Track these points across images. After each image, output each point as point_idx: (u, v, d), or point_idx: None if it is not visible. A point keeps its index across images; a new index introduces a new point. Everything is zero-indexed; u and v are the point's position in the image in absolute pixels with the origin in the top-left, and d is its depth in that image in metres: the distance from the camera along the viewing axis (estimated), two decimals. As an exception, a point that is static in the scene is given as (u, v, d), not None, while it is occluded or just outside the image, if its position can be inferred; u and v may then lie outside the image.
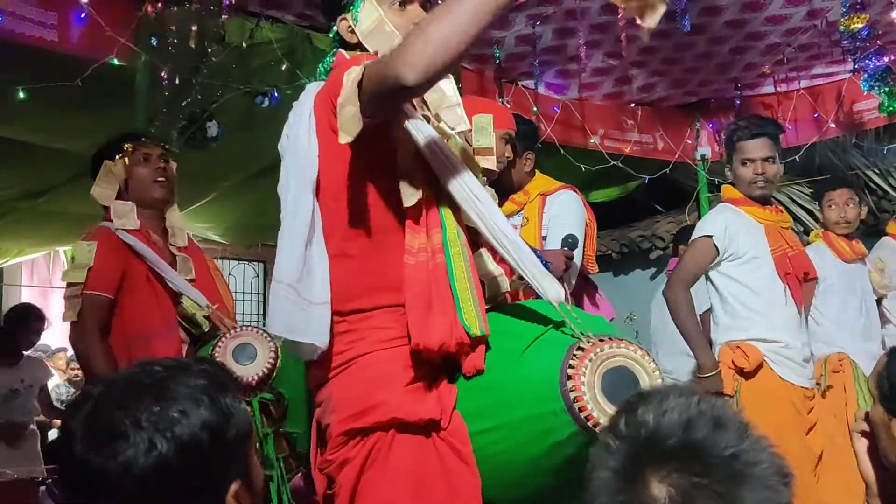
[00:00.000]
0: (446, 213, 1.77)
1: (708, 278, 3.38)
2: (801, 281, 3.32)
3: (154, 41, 3.65)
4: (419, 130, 1.73)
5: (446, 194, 1.75)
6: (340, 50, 1.93)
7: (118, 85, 3.71)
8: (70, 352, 8.53)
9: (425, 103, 1.82)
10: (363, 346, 1.75)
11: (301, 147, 1.78)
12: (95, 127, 4.41)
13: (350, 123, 1.63)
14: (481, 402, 1.73)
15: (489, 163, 1.97)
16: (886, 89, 4.26)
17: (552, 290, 1.69)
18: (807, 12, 4.40)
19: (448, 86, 1.84)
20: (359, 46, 1.90)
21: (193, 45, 3.69)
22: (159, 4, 3.63)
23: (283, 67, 4.04)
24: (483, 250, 1.89)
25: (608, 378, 1.56)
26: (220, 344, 2.50)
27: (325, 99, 1.77)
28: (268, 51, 4.02)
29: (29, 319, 5.73)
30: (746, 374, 3.18)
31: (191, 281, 2.86)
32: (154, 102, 3.75)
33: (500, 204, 2.99)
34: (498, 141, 2.54)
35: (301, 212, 1.75)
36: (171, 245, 2.92)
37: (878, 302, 4.04)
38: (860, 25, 4.03)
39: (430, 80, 1.59)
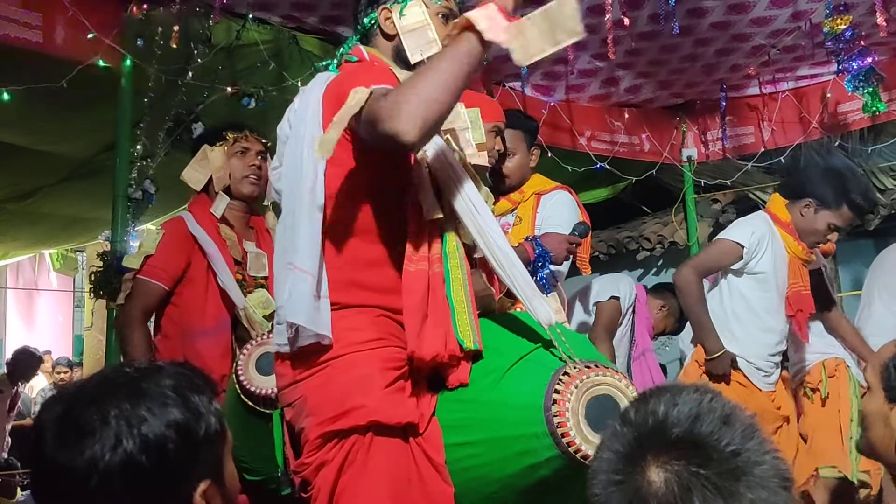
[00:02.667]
0: (447, 226, 1.79)
1: (720, 288, 3.39)
2: (806, 318, 3.38)
3: (140, 42, 3.64)
4: (431, 142, 1.75)
5: (449, 207, 1.77)
6: (358, 44, 1.94)
7: (104, 87, 3.69)
8: (56, 355, 8.48)
9: None
10: (337, 348, 1.73)
11: (308, 136, 1.78)
12: (81, 129, 4.42)
13: (327, 145, 1.63)
14: (461, 414, 1.73)
15: (481, 159, 1.98)
16: (870, 90, 4.28)
17: (543, 311, 1.71)
18: (791, 14, 4.43)
19: (461, 108, 1.89)
20: (392, 39, 1.92)
21: (179, 47, 3.67)
22: (145, 6, 3.62)
23: (270, 69, 4.03)
24: (477, 269, 1.90)
25: (592, 405, 1.58)
26: (244, 352, 2.39)
27: (335, 94, 1.77)
28: (254, 52, 4.01)
29: None
30: (713, 376, 3.25)
31: (264, 279, 2.87)
32: (140, 104, 3.73)
33: (495, 201, 3.01)
34: (487, 135, 2.54)
35: (317, 201, 1.74)
36: (246, 242, 2.93)
37: None
38: (844, 27, 4.05)
39: (428, 136, 1.63)
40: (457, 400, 1.75)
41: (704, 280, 3.39)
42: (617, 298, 4.01)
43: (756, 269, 3.30)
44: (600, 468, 1.05)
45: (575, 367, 1.61)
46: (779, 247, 3.32)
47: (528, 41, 1.60)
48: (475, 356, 1.76)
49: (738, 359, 3.27)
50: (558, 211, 2.98)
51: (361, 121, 1.64)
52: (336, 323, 1.73)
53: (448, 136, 1.88)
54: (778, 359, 3.40)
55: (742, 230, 3.34)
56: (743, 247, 3.27)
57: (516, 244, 2.72)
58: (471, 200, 1.76)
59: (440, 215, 1.75)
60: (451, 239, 1.79)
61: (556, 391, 1.58)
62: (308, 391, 1.76)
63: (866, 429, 1.58)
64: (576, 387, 1.58)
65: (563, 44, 1.61)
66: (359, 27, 1.98)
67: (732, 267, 3.33)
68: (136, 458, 1.06)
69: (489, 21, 1.59)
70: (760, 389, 3.30)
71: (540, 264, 2.65)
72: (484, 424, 1.69)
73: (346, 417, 1.69)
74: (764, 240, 3.28)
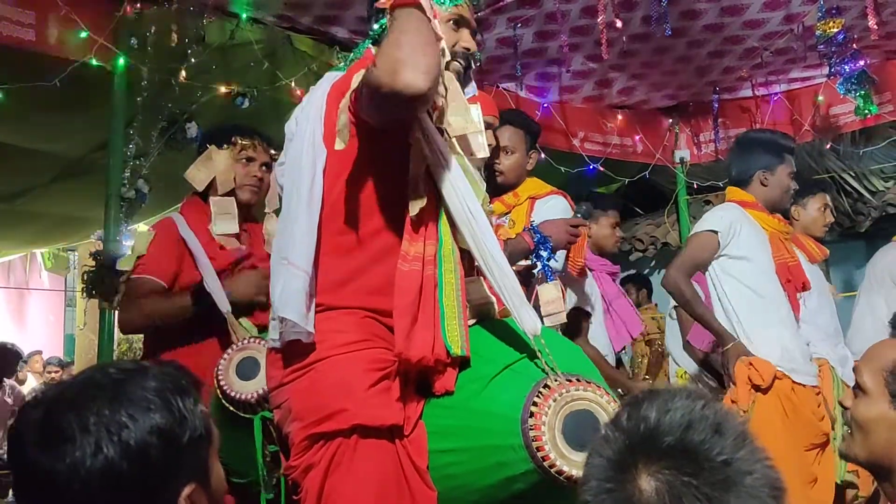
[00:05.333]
0: (444, 229, 1.78)
1: (713, 283, 3.40)
2: (797, 290, 3.38)
3: (133, 41, 3.63)
4: (433, 142, 1.74)
5: (447, 210, 1.76)
6: (370, 47, 1.93)
7: (97, 85, 3.68)
8: (47, 354, 8.45)
9: (443, 118, 1.81)
10: (322, 350, 1.72)
11: (309, 133, 1.78)
12: (74, 128, 4.40)
13: (342, 132, 1.63)
14: (446, 421, 1.72)
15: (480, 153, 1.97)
16: (862, 93, 4.30)
17: (529, 322, 1.70)
18: (784, 17, 4.45)
19: (475, 112, 1.86)
20: None
21: (173, 46, 3.67)
22: (139, 5, 3.62)
23: (264, 68, 4.03)
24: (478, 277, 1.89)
25: (570, 421, 1.55)
26: (225, 356, 2.37)
27: (340, 91, 1.77)
28: (248, 51, 4.01)
29: None
30: (762, 389, 3.19)
31: None
32: (133, 103, 3.72)
33: (490, 201, 2.98)
34: None
35: (315, 198, 1.74)
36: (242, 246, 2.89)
37: None
38: (836, 30, 4.08)
39: (435, 80, 1.60)
40: (443, 406, 1.73)
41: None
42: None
43: (741, 254, 3.29)
44: (591, 474, 1.05)
45: (556, 380, 1.59)
46: (755, 226, 3.35)
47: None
48: (463, 363, 1.74)
49: (774, 336, 3.23)
50: (552, 215, 2.93)
51: (364, 97, 1.62)
52: (321, 325, 1.73)
53: (454, 139, 1.85)
54: (805, 340, 3.37)
55: (712, 218, 3.39)
56: (717, 232, 3.29)
57: (514, 235, 2.70)
58: (468, 207, 1.75)
59: (418, 209, 1.72)
60: (447, 243, 1.77)
61: (535, 404, 1.55)
62: (293, 394, 1.75)
63: (865, 434, 1.54)
64: (554, 400, 1.55)
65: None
66: (371, 31, 1.95)
67: (716, 257, 3.33)
68: (117, 465, 1.05)
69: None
70: (805, 386, 3.24)
71: (541, 251, 2.64)
72: (466, 432, 1.68)
73: (329, 421, 1.68)
74: (736, 222, 3.31)
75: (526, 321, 1.69)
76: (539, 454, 1.52)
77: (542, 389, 1.57)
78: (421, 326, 1.70)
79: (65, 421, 1.07)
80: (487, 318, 1.88)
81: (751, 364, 3.20)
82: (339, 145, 1.66)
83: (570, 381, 1.59)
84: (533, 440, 1.53)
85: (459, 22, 1.90)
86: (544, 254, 2.64)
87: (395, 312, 1.71)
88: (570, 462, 1.52)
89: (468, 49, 1.90)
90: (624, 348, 3.68)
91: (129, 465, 1.06)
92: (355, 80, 1.66)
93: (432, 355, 1.69)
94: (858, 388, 1.57)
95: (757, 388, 3.19)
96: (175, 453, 1.10)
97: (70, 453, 1.05)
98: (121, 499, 1.06)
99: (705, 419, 1.02)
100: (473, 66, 1.96)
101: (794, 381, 3.22)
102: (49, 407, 1.10)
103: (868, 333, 3.84)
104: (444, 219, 1.78)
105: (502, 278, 1.72)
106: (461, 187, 1.77)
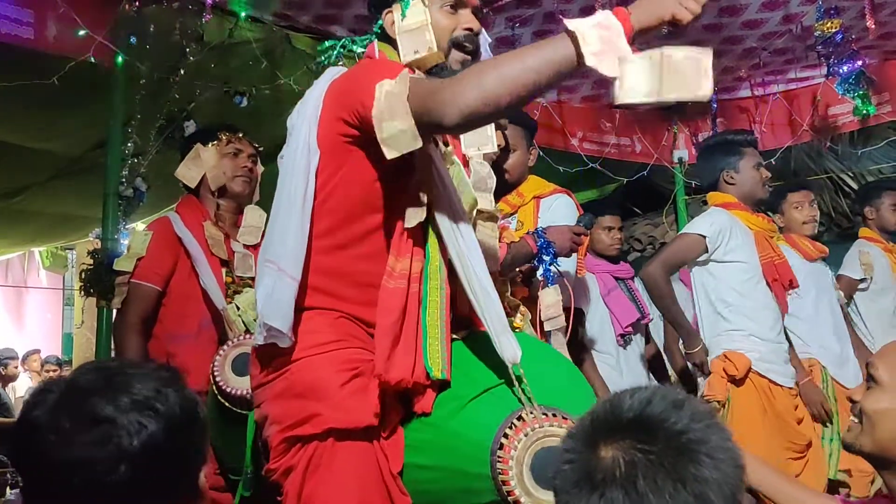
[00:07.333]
0: (432, 245, 1.73)
1: (696, 286, 3.42)
2: (785, 288, 3.40)
3: (132, 40, 3.63)
4: (434, 153, 1.71)
5: (436, 225, 1.72)
6: (374, 42, 1.88)
7: (95, 84, 3.68)
8: (45, 353, 8.44)
9: None
10: (296, 352, 1.71)
11: (304, 132, 1.74)
12: (72, 126, 4.40)
13: (400, 140, 1.56)
14: (423, 435, 1.70)
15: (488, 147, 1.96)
16: (860, 93, 4.32)
17: (509, 350, 1.64)
18: (783, 17, 4.45)
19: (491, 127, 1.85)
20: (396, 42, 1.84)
21: (172, 44, 3.66)
22: (137, 3, 3.61)
23: (262, 67, 4.03)
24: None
25: (540, 457, 1.50)
26: (220, 352, 2.38)
27: (340, 90, 1.72)
28: (246, 50, 4.00)
29: None
30: (737, 382, 3.24)
31: (251, 279, 2.86)
32: (131, 101, 3.72)
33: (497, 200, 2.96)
34: None
35: (308, 202, 1.71)
36: (237, 241, 2.93)
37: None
38: (834, 30, 4.09)
39: (468, 126, 1.58)
40: (421, 420, 1.71)
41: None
42: None
43: (731, 258, 3.33)
44: (563, 456, 1.08)
45: (531, 413, 1.53)
46: (743, 228, 3.38)
47: (638, 84, 1.49)
48: (443, 382, 1.70)
49: (749, 346, 3.25)
50: (561, 214, 2.90)
51: (414, 114, 1.55)
52: (297, 327, 1.71)
53: (444, 146, 1.82)
54: (784, 340, 3.40)
55: (702, 222, 3.43)
56: (705, 237, 3.32)
57: (518, 239, 2.70)
58: (454, 222, 1.71)
59: (416, 223, 1.69)
60: (434, 260, 1.73)
61: (506, 435, 1.51)
62: (270, 396, 1.74)
63: (874, 426, 1.52)
64: (525, 434, 1.51)
65: (679, 99, 1.50)
66: (374, 28, 1.91)
67: (703, 262, 3.36)
68: (158, 439, 1.05)
69: (603, 45, 1.47)
70: (781, 386, 3.28)
71: (544, 256, 2.63)
72: (441, 451, 1.65)
73: (304, 425, 1.67)
74: (725, 228, 3.33)
75: (506, 349, 1.64)
76: (504, 488, 1.49)
77: (515, 421, 1.53)
78: (402, 348, 1.67)
79: (96, 406, 1.04)
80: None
81: (726, 356, 3.25)
82: (391, 154, 1.58)
83: (545, 415, 1.54)
84: (500, 473, 1.49)
85: (457, 4, 1.81)
86: (546, 258, 2.64)
87: (376, 332, 1.68)
88: (536, 500, 1.47)
89: (471, 30, 1.80)
90: (624, 336, 3.74)
91: (167, 438, 1.05)
92: (380, 90, 1.58)
93: (412, 378, 1.66)
94: (872, 381, 1.57)
95: (732, 380, 3.23)
96: (197, 428, 1.12)
97: (113, 435, 1.03)
98: (159, 478, 1.05)
99: (665, 397, 1.06)
100: (483, 50, 1.86)
101: (771, 381, 3.27)
102: (65, 400, 1.07)
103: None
104: (432, 235, 1.73)
105: (486, 302, 1.67)
106: (452, 201, 1.73)
